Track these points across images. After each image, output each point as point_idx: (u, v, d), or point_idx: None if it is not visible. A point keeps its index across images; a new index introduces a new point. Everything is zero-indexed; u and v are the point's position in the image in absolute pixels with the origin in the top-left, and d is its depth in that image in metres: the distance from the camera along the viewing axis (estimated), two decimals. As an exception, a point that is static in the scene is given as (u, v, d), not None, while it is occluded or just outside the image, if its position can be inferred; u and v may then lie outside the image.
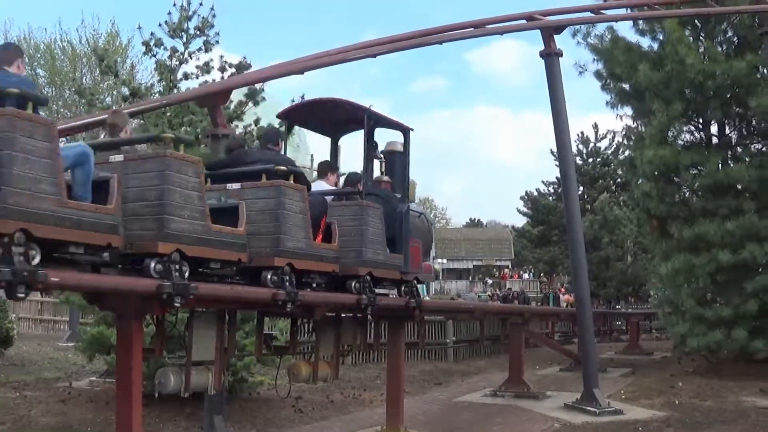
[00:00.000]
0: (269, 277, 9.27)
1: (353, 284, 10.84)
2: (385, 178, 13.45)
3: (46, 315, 35.22)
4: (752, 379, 19.42)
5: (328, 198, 11.48)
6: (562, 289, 46.64)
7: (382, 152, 13.88)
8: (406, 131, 13.47)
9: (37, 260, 6.69)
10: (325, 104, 13.31)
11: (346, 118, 13.44)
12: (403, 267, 12.26)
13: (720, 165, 21.90)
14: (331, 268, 10.31)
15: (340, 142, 14.32)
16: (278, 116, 13.79)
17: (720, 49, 22.60)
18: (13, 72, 7.54)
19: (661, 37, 22.71)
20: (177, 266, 7.91)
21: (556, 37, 17.87)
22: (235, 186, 9.67)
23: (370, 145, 13.07)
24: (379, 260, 11.51)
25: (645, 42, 23.50)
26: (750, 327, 20.29)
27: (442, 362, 25.85)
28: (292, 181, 9.76)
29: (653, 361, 26.70)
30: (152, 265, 7.77)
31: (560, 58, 17.92)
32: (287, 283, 9.43)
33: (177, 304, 7.96)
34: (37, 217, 6.63)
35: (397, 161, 13.69)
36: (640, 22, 22.99)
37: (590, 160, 51.10)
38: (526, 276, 69.38)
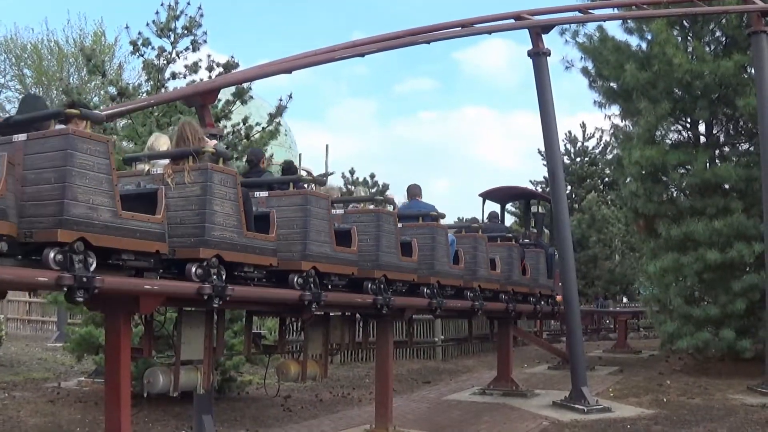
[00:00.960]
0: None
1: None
2: (534, 230, 24.36)
3: (34, 315, 35.13)
4: (739, 377, 19.51)
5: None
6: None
7: (532, 213, 25.17)
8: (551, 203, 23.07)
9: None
10: (507, 188, 24.62)
11: (516, 194, 26.03)
12: (552, 288, 20.28)
13: (707, 164, 21.99)
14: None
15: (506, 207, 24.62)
16: (480, 195, 23.36)
17: (708, 49, 22.65)
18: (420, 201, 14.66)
19: (649, 37, 22.76)
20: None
21: (544, 36, 17.90)
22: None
23: (529, 211, 25.81)
24: (543, 283, 19.47)
25: (633, 41, 23.58)
26: (737, 326, 20.39)
27: (431, 361, 25.88)
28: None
29: (641, 360, 26.77)
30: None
31: (548, 58, 17.96)
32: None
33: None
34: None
35: (538, 219, 25.03)
36: (629, 21, 23.02)
37: (578, 159, 51.07)
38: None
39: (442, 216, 14.17)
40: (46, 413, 14.59)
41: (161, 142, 10.18)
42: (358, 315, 13.07)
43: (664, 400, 17.37)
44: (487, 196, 23.56)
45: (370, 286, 11.72)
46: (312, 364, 12.03)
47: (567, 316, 18.09)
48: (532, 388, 19.12)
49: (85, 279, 7.27)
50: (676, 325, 21.09)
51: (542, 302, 19.33)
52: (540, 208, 25.53)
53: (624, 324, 31.55)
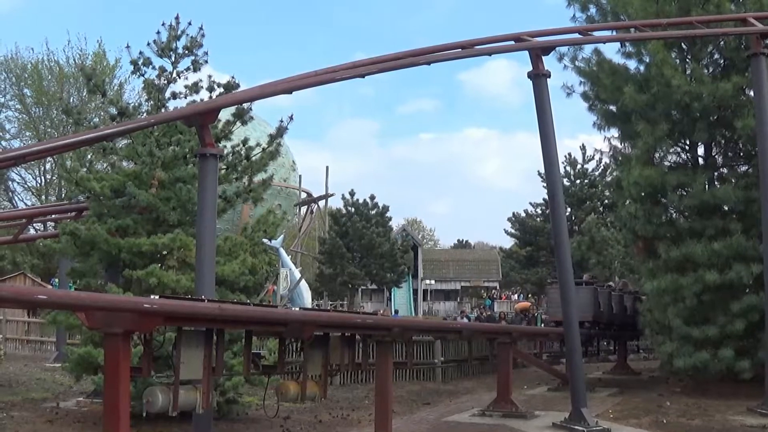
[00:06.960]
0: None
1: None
2: None
3: (33, 335, 35.05)
4: (739, 398, 19.46)
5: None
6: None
7: None
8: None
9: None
10: None
11: None
12: None
13: (706, 186, 22.04)
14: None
15: None
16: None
17: (706, 71, 22.71)
18: None
19: (647, 60, 22.82)
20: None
21: (544, 58, 17.92)
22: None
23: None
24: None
25: (632, 64, 23.63)
26: (736, 347, 20.36)
27: (430, 382, 25.83)
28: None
29: (641, 381, 26.71)
30: None
31: (548, 79, 17.97)
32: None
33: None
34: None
35: None
36: (627, 44, 23.07)
37: (578, 181, 51.23)
38: (515, 297, 69.42)
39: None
40: (45, 433, 14.57)
41: None
42: (357, 336, 13.04)
43: (664, 421, 17.35)
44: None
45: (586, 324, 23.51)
46: (311, 385, 11.99)
47: (567, 338, 18.07)
48: (531, 410, 19.06)
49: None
50: (675, 346, 21.09)
51: None
52: None
53: (623, 345, 31.50)
